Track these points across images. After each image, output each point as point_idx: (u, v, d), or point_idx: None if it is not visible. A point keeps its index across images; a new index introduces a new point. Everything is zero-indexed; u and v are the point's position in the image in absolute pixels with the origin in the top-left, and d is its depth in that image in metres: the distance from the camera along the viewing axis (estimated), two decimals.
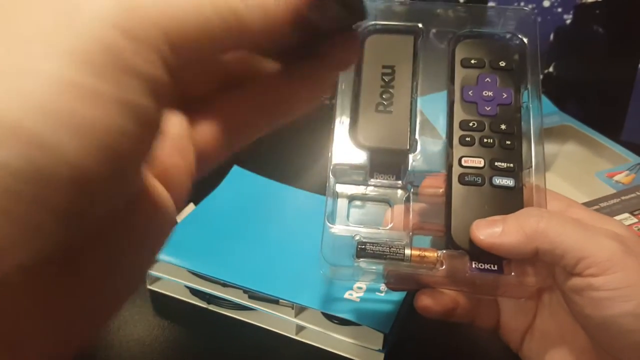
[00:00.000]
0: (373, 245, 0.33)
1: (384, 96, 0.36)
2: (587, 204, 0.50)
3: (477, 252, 0.32)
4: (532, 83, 0.35)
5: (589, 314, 0.29)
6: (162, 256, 0.46)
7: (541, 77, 0.73)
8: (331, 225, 0.35)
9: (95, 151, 0.14)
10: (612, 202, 0.51)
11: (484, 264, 0.32)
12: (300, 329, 0.43)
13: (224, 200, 0.54)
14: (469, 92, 0.35)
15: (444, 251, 0.33)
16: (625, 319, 0.28)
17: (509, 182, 0.33)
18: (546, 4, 0.70)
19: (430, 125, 0.37)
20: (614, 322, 0.28)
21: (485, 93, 0.35)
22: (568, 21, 0.69)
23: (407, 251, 0.33)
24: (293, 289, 0.42)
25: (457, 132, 0.34)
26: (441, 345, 0.42)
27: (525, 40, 0.36)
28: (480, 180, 0.33)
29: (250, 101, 0.20)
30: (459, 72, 0.36)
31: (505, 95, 0.35)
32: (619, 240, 0.29)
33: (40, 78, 0.14)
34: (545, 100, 0.65)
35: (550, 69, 0.73)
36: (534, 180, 0.33)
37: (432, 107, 0.37)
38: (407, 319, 0.42)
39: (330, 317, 0.42)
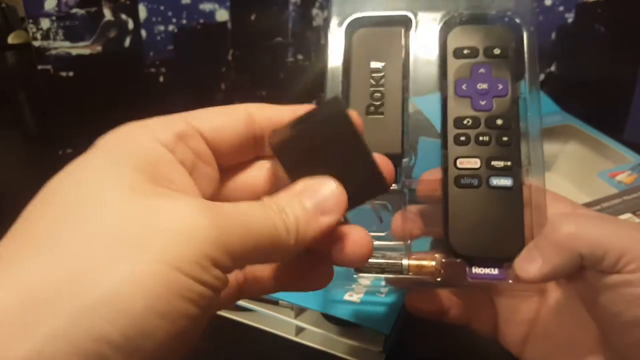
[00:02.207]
0: (371, 259, 0.33)
1: (374, 96, 0.34)
2: (589, 204, 0.50)
3: (476, 258, 0.31)
4: (529, 71, 0.33)
5: (621, 312, 0.28)
6: None
7: (543, 76, 0.73)
8: None
9: (172, 332, 0.19)
10: (614, 202, 0.50)
11: (484, 268, 0.32)
12: (299, 330, 0.43)
13: None
14: (463, 86, 0.33)
15: (443, 260, 0.32)
16: None
17: (506, 182, 0.32)
18: (548, 2, 0.69)
19: (429, 124, 0.36)
20: None
21: (480, 86, 0.33)
22: (570, 20, 0.69)
23: (405, 262, 0.33)
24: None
25: (452, 131, 0.33)
26: (442, 347, 0.42)
27: (520, 23, 0.34)
28: (477, 182, 0.32)
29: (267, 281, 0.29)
30: (452, 64, 0.34)
31: (501, 87, 0.33)
32: None
33: (144, 272, 0.19)
34: (547, 99, 0.65)
35: (552, 68, 0.72)
36: (532, 178, 0.32)
37: (432, 106, 0.36)
38: (408, 320, 0.41)
39: (330, 318, 0.41)
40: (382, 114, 0.34)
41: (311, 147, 0.24)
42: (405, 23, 0.35)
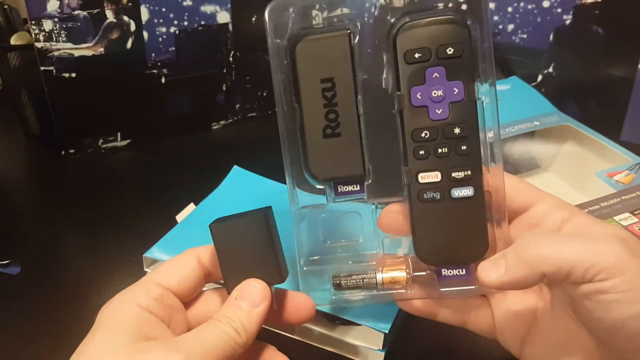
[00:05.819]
0: (347, 278, 0.35)
1: (329, 117, 0.33)
2: (588, 204, 0.50)
3: (443, 266, 0.34)
4: (483, 72, 0.31)
5: (599, 318, 0.29)
6: (162, 255, 0.46)
7: (540, 77, 0.73)
8: (305, 268, 0.37)
9: None
10: (612, 201, 0.50)
11: (452, 270, 0.34)
12: (299, 328, 0.43)
13: (224, 200, 0.54)
14: (417, 95, 0.31)
15: (413, 273, 0.34)
16: (634, 322, 0.28)
17: (467, 191, 0.32)
18: (546, 4, 0.70)
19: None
20: (623, 325, 0.28)
21: (435, 93, 0.31)
22: (567, 21, 0.70)
23: (379, 277, 0.35)
24: (292, 289, 0.42)
25: (411, 145, 0.32)
26: (441, 346, 0.42)
27: (471, 20, 0.31)
28: (438, 196, 0.32)
29: None
30: (404, 71, 0.31)
31: (457, 91, 0.31)
32: (623, 243, 0.29)
33: None
34: (544, 100, 0.65)
35: (550, 70, 0.73)
36: (492, 182, 0.33)
37: None
38: (407, 319, 0.42)
39: (329, 317, 0.42)
40: (339, 135, 0.33)
41: (236, 241, 0.33)
42: (349, 28, 0.32)
